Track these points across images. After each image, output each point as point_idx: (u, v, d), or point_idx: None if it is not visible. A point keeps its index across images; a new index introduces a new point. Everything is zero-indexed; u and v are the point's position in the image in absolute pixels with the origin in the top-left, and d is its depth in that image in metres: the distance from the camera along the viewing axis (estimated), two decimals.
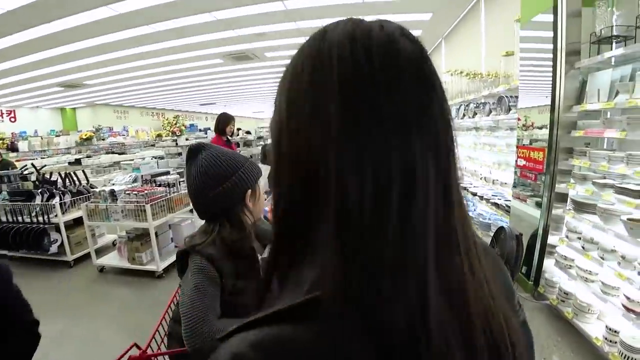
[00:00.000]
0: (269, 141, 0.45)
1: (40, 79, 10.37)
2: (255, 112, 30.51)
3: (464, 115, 5.45)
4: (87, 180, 5.41)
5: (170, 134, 6.60)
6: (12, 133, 12.33)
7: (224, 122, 4.33)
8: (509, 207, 3.91)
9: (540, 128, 3.28)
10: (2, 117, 14.03)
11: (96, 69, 9.86)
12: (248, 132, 10.50)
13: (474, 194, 4.86)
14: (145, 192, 3.91)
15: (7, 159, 6.92)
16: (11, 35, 6.50)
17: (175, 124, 6.70)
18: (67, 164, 7.47)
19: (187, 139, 6.45)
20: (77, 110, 17.46)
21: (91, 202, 4.25)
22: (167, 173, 4.86)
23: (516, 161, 3.54)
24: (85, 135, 9.19)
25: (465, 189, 5.26)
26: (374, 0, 6.09)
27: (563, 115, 2.87)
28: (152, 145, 9.36)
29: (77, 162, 7.56)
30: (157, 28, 7.02)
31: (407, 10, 6.61)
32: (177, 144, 6.45)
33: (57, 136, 11.01)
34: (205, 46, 8.60)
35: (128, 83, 12.12)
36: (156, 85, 13.21)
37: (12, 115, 14.46)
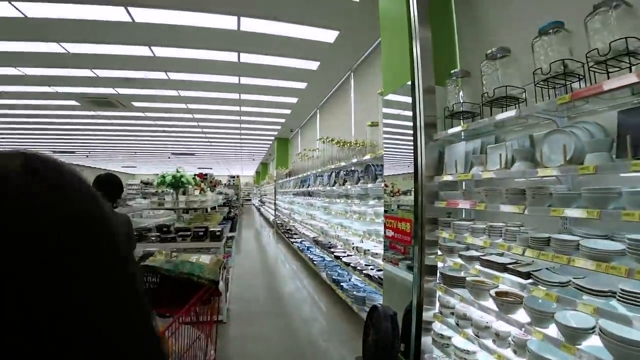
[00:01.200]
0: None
1: None
2: (125, 167, 27.38)
3: (335, 182, 5.44)
4: None
5: None
6: None
7: None
8: (381, 279, 3.72)
9: (405, 193, 3.28)
10: None
11: None
12: None
13: (347, 264, 4.63)
14: None
15: None
16: None
17: None
18: None
19: None
20: None
21: None
22: None
23: (385, 232, 3.41)
24: None
25: (338, 257, 5.07)
26: (254, 63, 5.97)
27: (426, 185, 2.86)
28: None
29: None
30: None
31: (285, 78, 6.70)
32: None
33: None
34: (53, 82, 7.22)
35: None
36: None
37: None
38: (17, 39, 5.37)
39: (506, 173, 2.14)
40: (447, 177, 2.69)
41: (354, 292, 4.17)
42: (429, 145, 2.89)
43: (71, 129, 11.95)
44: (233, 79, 6.84)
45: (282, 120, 10.42)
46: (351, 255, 4.94)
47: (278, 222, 11.88)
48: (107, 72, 6.67)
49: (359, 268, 4.28)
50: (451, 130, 2.64)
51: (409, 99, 3.09)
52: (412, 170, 2.98)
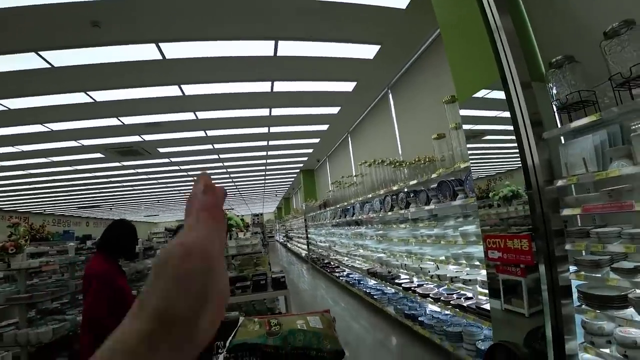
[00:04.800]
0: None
1: None
2: (148, 215, 27.32)
3: (392, 207, 4.98)
4: None
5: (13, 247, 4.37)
6: None
7: (130, 235, 2.58)
8: (480, 308, 3.19)
9: (510, 202, 2.84)
10: None
11: None
12: None
13: (424, 295, 4.09)
14: None
15: None
16: None
17: (10, 235, 4.63)
18: None
19: (31, 256, 4.45)
20: None
21: None
22: None
23: (487, 254, 2.92)
24: None
25: (409, 289, 4.53)
26: (288, 91, 5.76)
27: (545, 191, 2.43)
28: None
29: None
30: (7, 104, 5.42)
31: (318, 104, 6.46)
32: (9, 265, 4.28)
33: None
34: (79, 135, 7.08)
35: None
36: (13, 182, 10.53)
37: None
38: (45, 93, 5.23)
39: None
40: (574, 179, 2.27)
41: (444, 327, 3.62)
42: (540, 146, 2.49)
43: (95, 182, 11.84)
44: (264, 112, 6.62)
45: (310, 151, 10.15)
46: (422, 285, 4.41)
47: (313, 256, 11.32)
48: (134, 119, 6.51)
49: (443, 299, 3.74)
50: (578, 122, 2.24)
51: (496, 100, 2.75)
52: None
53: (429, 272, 4.05)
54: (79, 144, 7.64)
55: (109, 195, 15.04)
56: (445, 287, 3.85)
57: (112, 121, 6.55)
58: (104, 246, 2.45)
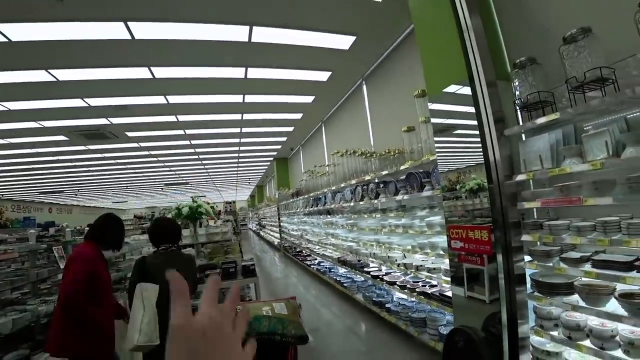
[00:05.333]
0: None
1: None
2: (116, 202, 26.33)
3: (362, 197, 5.08)
4: None
5: None
6: None
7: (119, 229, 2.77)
8: (443, 295, 3.36)
9: (475, 194, 2.98)
10: None
11: None
12: None
13: (392, 283, 4.24)
14: None
15: None
16: None
17: None
18: None
19: None
20: None
21: None
22: None
23: (450, 243, 3.06)
24: None
25: (377, 277, 4.67)
26: (261, 78, 5.68)
27: (504, 185, 2.57)
28: None
29: None
30: None
31: (293, 92, 6.42)
32: None
33: None
34: (40, 116, 6.71)
35: None
36: None
37: None
38: (2, 69, 4.90)
39: (623, 161, 1.88)
40: (530, 175, 2.42)
41: (409, 314, 3.78)
42: (502, 142, 2.63)
43: (59, 166, 11.27)
44: (237, 98, 6.51)
45: (284, 139, 10.10)
46: (390, 273, 4.56)
47: (286, 245, 11.38)
48: (101, 100, 6.23)
49: (409, 287, 3.90)
50: (537, 122, 2.36)
51: (463, 96, 2.86)
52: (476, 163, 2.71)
53: (397, 260, 4.19)
54: (40, 125, 7.23)
55: (73, 180, 14.38)
56: (412, 275, 4.00)
57: (77, 102, 6.23)
58: (92, 236, 2.63)
